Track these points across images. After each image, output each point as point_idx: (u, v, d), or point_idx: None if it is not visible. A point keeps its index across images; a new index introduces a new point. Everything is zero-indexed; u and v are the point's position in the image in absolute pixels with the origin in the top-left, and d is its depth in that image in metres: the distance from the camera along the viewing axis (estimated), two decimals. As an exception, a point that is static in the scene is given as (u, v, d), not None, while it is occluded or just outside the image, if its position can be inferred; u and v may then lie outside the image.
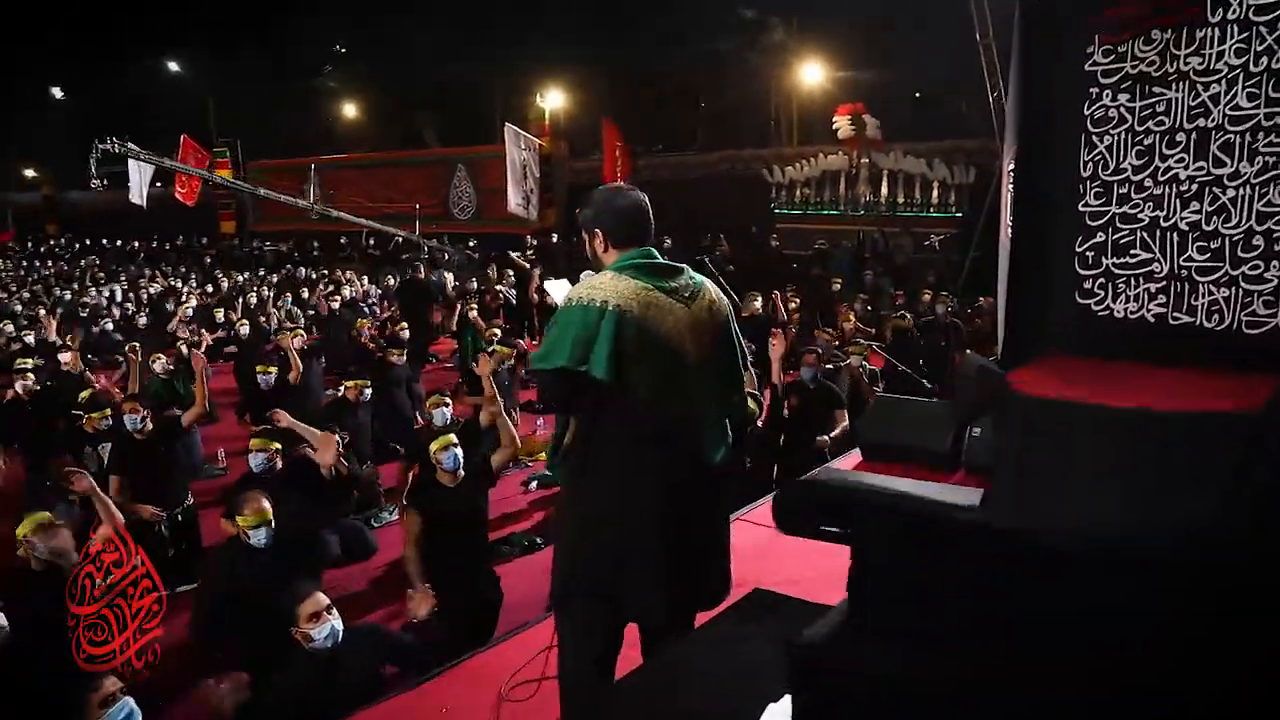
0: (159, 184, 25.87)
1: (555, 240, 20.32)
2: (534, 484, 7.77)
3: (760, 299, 11.05)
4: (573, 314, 2.66)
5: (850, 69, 19.49)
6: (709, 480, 2.82)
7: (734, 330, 2.91)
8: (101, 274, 24.21)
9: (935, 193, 16.32)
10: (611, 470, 2.77)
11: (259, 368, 8.42)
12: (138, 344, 10.49)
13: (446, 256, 22.28)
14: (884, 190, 16.96)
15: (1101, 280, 8.25)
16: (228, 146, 30.81)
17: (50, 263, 30.05)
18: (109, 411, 7.34)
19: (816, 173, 17.86)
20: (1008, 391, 5.40)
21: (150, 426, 6.83)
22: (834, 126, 17.02)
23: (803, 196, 18.13)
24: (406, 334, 10.79)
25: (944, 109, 18.39)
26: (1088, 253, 8.27)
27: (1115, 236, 8.13)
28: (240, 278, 21.26)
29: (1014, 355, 8.17)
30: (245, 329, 12.70)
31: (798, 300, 11.87)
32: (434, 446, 5.21)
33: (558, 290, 3.47)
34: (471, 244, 22.25)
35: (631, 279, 2.71)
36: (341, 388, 8.00)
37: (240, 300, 16.19)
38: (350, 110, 30.99)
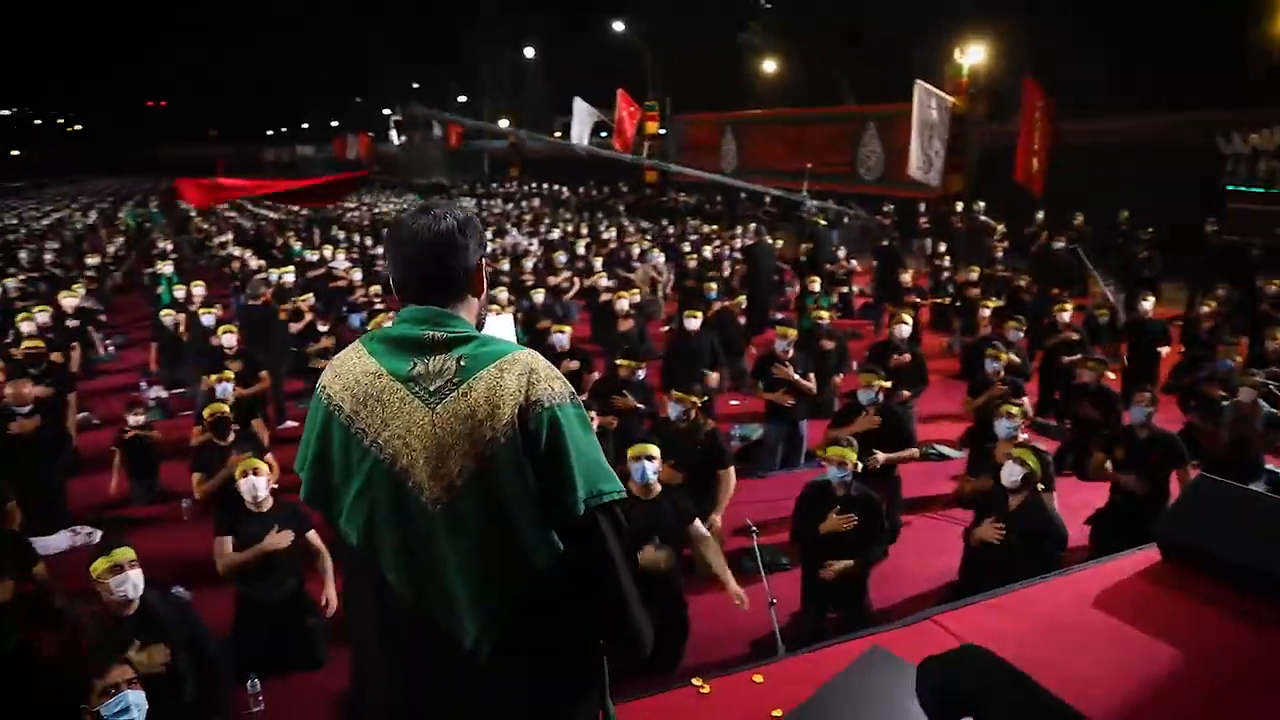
0: (603, 134, 28.07)
1: (959, 210, 18.58)
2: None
3: (1151, 299, 9.02)
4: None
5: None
6: (478, 682, 1.79)
7: (523, 453, 1.74)
8: (528, 216, 26.55)
9: None
10: (352, 646, 2.01)
11: (554, 326, 8.43)
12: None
13: (846, 220, 21.45)
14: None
15: None
16: (657, 101, 32.53)
17: (502, 203, 33.93)
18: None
19: (1291, 142, 14.32)
20: None
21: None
22: (1322, 84, 13.48)
23: (1267, 170, 14.65)
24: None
25: None
26: None
27: None
28: (631, 228, 22.18)
29: None
30: (604, 280, 13.09)
31: (1213, 304, 9.49)
32: (630, 452, 4.72)
33: (498, 328, 2.52)
34: (887, 208, 21.20)
35: (367, 355, 1.87)
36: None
37: (624, 252, 16.84)
38: (769, 65, 30.92)
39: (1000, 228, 16.29)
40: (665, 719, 2.85)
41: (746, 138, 29.15)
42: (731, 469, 6.00)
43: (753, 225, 19.43)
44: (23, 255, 17.95)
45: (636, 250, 16.56)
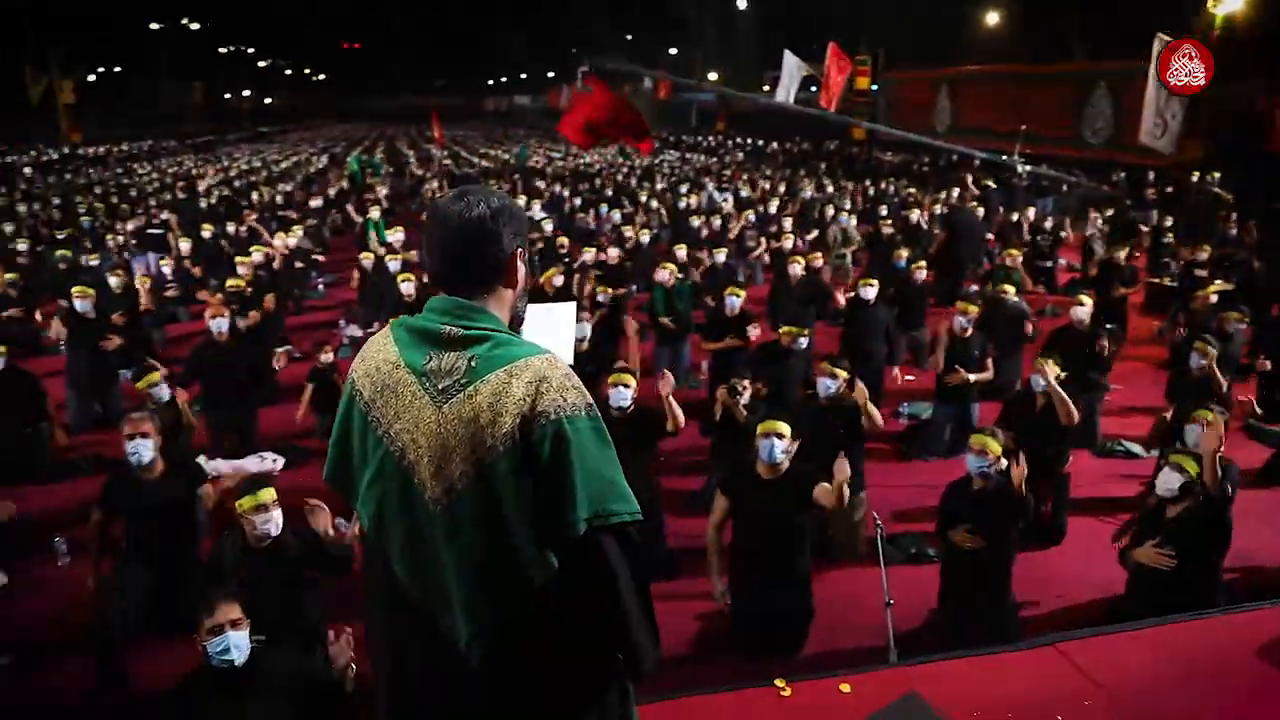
0: (812, 89, 27.32)
1: (1197, 179, 16.82)
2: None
3: None
4: None
5: None
6: (473, 681, 1.76)
7: (523, 466, 1.67)
8: (727, 171, 26.29)
9: None
10: (366, 627, 2.01)
11: (730, 289, 8.24)
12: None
13: (1065, 188, 19.92)
14: None
15: None
16: (870, 55, 31.23)
17: (704, 156, 33.77)
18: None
19: None
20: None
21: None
22: None
23: None
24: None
25: None
26: None
27: None
28: (830, 187, 21.49)
29: None
30: (789, 243, 12.75)
31: None
32: (759, 429, 4.55)
33: (541, 324, 2.22)
34: (1119, 176, 19.48)
35: (391, 343, 1.83)
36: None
37: (814, 212, 16.38)
38: (992, 18, 28.94)
39: (1229, 198, 14.62)
40: (739, 717, 2.74)
41: (961, 96, 27.54)
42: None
43: (956, 190, 18.38)
44: (255, 196, 19.60)
45: (830, 211, 16.06)
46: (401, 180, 26.60)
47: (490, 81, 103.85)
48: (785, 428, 4.51)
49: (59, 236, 14.66)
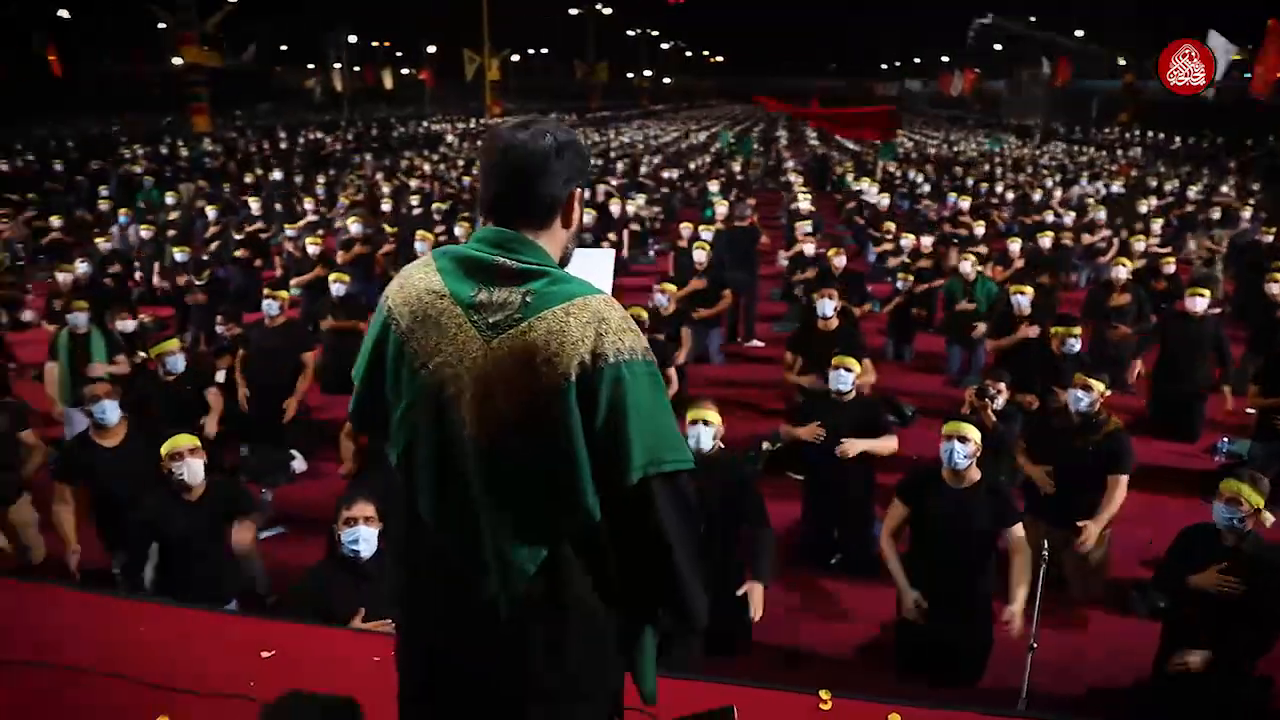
0: (1245, 74, 23.83)
1: None
2: None
3: None
4: None
5: None
6: (495, 634, 1.68)
7: (576, 410, 1.56)
8: (1113, 166, 23.74)
9: None
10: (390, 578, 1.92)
11: (1014, 287, 7.54)
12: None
13: None
14: None
15: None
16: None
17: (1095, 150, 30.74)
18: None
19: None
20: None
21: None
22: None
23: None
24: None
25: None
26: None
27: None
28: (1228, 188, 18.61)
29: None
30: (1140, 245, 11.27)
31: None
32: (944, 429, 4.18)
33: (579, 268, 1.88)
34: None
35: (434, 272, 1.72)
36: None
37: (1201, 216, 14.42)
38: None
39: None
40: (766, 715, 2.55)
41: None
42: (1125, 478, 4.93)
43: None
44: (619, 166, 21.03)
45: (1215, 215, 14.05)
46: (764, 156, 27.14)
47: (884, 66, 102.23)
48: (971, 430, 4.09)
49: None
